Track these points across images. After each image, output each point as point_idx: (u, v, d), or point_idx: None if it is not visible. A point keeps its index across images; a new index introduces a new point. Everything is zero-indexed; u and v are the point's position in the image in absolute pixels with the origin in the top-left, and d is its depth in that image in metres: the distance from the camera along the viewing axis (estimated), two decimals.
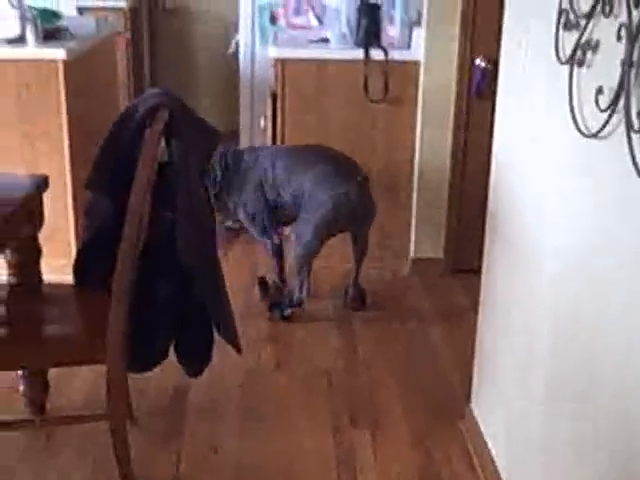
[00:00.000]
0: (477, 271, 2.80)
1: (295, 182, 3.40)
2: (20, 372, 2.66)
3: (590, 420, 1.75)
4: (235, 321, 2.60)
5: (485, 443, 2.54)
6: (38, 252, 2.62)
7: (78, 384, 2.91)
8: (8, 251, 2.55)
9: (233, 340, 2.63)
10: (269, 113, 3.98)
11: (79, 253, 2.61)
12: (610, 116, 1.57)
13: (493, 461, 2.45)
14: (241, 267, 3.96)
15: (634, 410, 1.54)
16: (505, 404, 2.40)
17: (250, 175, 3.52)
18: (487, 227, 2.62)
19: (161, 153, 2.35)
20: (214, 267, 2.60)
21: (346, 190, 3.34)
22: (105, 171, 2.37)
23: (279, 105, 3.89)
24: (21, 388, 2.68)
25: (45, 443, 2.58)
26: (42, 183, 2.61)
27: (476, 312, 2.80)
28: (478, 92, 3.70)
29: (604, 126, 1.60)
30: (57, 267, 2.72)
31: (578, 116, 1.76)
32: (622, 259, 1.59)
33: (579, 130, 1.75)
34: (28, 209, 2.52)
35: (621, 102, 1.52)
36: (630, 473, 1.57)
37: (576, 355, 1.84)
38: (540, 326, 2.07)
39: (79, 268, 2.57)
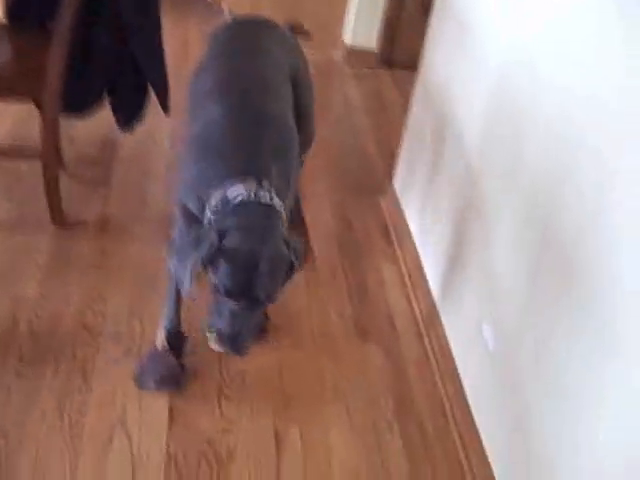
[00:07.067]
0: (410, 67, 2.83)
1: None
2: None
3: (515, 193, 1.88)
4: (168, 83, 2.61)
5: (402, 216, 2.69)
6: None
7: (6, 127, 2.90)
8: None
9: (162, 100, 2.65)
10: None
11: None
12: None
13: (409, 232, 2.61)
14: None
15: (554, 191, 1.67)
16: (424, 182, 2.52)
17: None
18: (433, 16, 2.62)
19: None
20: (153, 24, 2.56)
21: None
22: None
23: None
24: None
25: None
26: None
27: (404, 105, 2.85)
28: None
29: None
30: None
31: None
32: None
33: None
34: None
35: None
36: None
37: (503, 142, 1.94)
38: (474, 113, 2.15)
39: (14, 7, 2.51)
